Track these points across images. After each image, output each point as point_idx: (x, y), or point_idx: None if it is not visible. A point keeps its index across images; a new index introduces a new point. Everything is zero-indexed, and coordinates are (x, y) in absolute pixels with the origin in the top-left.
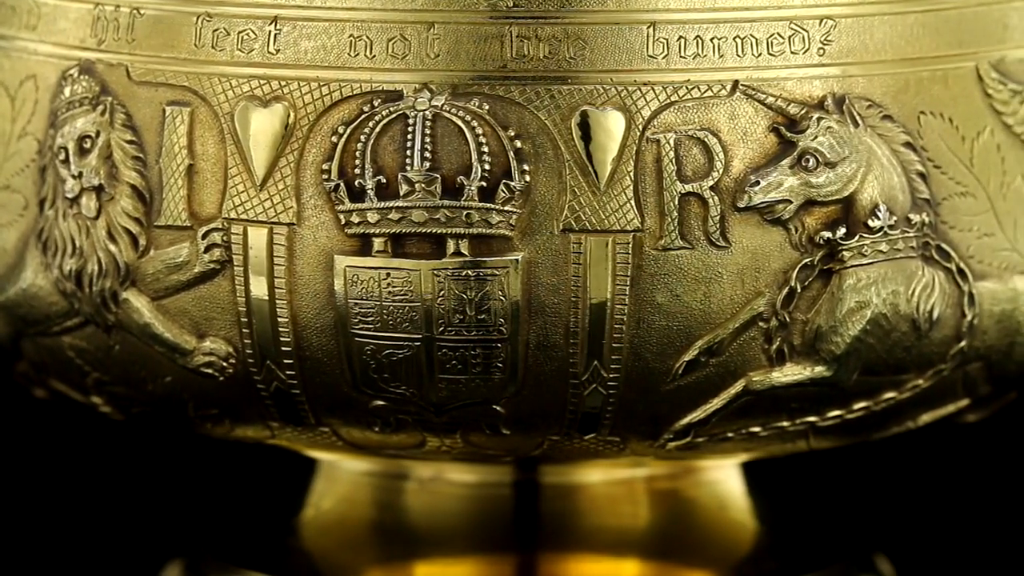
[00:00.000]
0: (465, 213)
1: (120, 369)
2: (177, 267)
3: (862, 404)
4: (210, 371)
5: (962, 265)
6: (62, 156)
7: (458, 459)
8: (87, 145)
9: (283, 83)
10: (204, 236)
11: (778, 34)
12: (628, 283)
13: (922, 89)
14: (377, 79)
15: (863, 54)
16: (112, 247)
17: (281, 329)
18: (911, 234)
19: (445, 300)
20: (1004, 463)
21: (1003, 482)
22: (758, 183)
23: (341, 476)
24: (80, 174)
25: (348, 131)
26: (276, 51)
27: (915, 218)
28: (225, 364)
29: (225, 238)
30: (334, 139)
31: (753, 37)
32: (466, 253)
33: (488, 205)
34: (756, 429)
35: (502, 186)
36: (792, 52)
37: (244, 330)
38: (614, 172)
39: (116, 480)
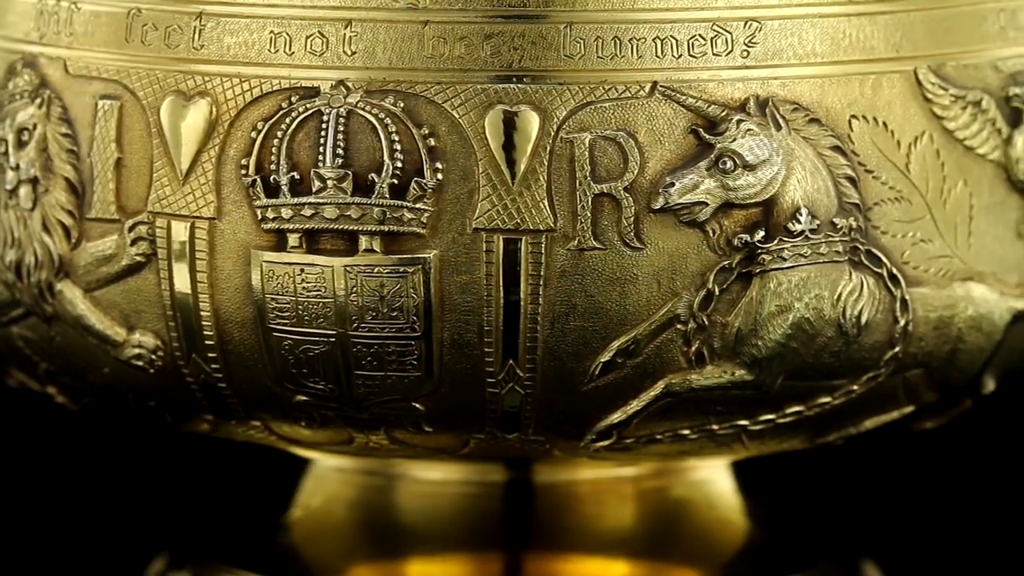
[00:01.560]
0: (376, 210)
1: (63, 360)
2: (106, 259)
3: (795, 408)
4: (140, 363)
5: (894, 270)
6: (3, 148)
7: (392, 456)
8: (25, 138)
9: (206, 78)
10: (131, 229)
11: (700, 35)
12: (541, 283)
13: (854, 93)
14: (295, 76)
15: (791, 56)
16: (47, 239)
17: (204, 323)
18: (836, 238)
19: (358, 297)
20: (993, 466)
21: (992, 485)
22: (673, 184)
23: (330, 475)
24: (18, 166)
25: (266, 127)
26: (200, 46)
27: (841, 222)
28: (154, 357)
29: (150, 231)
30: (253, 135)
31: (673, 38)
32: (378, 250)
33: (399, 203)
34: (685, 431)
35: (414, 184)
36: (714, 54)
37: (170, 323)
38: (527, 171)
39: (105, 478)
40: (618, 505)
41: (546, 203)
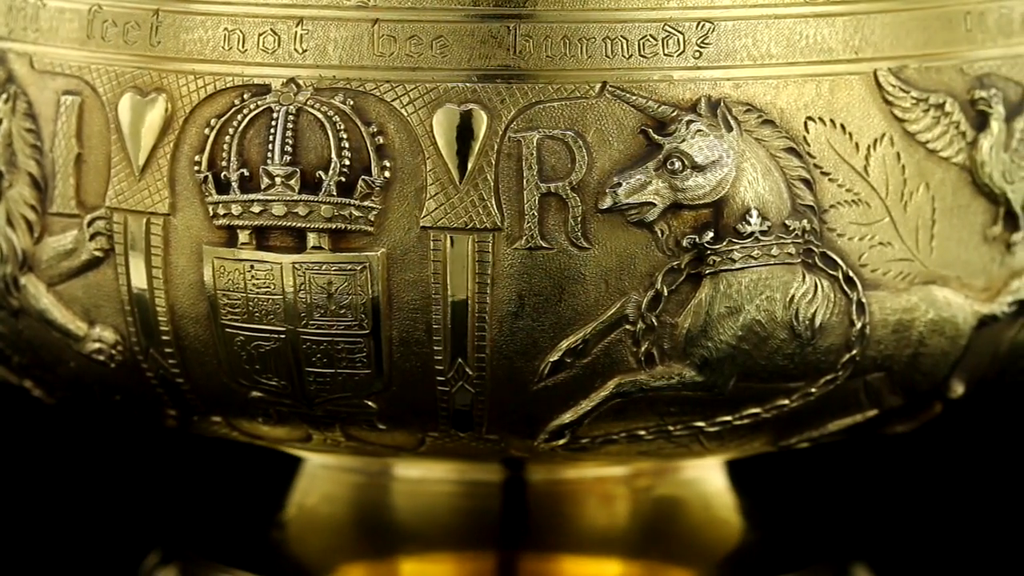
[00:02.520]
0: (323, 208)
1: (32, 353)
2: (67, 254)
3: (751, 410)
4: (101, 358)
5: (851, 273)
6: None
7: (352, 453)
8: None
9: (163, 75)
10: (89, 224)
11: (651, 36)
12: (488, 282)
13: (810, 94)
14: (248, 73)
15: (745, 58)
16: (11, 233)
17: (160, 318)
18: (788, 240)
19: (306, 294)
20: (986, 468)
21: (985, 486)
22: (620, 185)
23: (323, 473)
24: None
25: (219, 124)
26: (157, 43)
27: (793, 224)
28: (114, 352)
29: (108, 227)
30: (207, 131)
31: (624, 38)
32: (325, 247)
33: (346, 200)
34: (640, 432)
35: (361, 181)
36: (665, 54)
37: (128, 318)
38: (475, 170)
39: (99, 476)
40: (612, 504)
41: (493, 202)
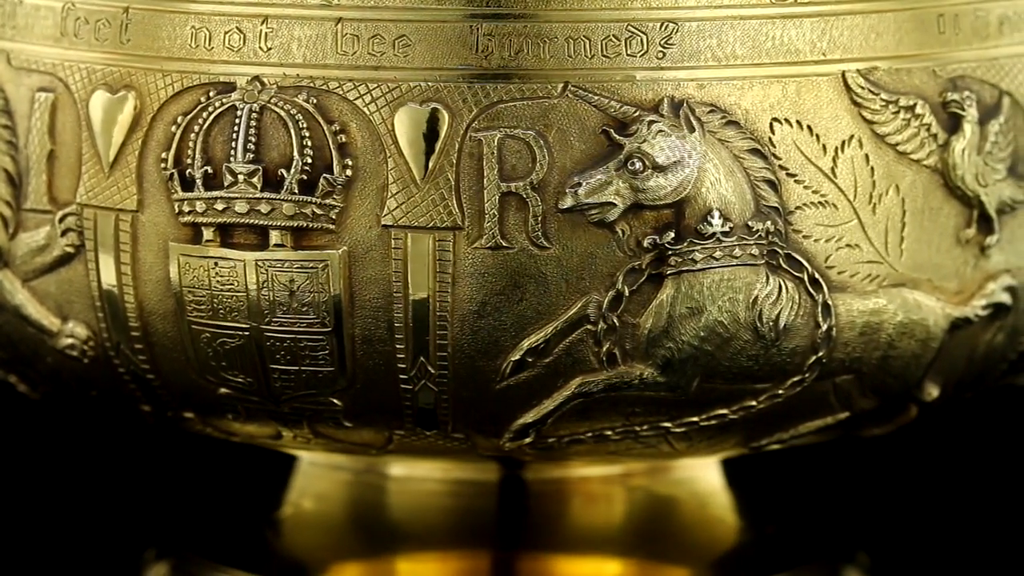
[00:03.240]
0: (285, 205)
1: (11, 348)
2: (40, 250)
3: (718, 411)
4: (75, 353)
5: (816, 275)
6: None
7: (325, 450)
8: None
9: (132, 72)
10: (61, 220)
11: (614, 36)
12: (449, 281)
13: (776, 95)
14: (214, 71)
15: (709, 58)
16: None
17: (130, 315)
18: (751, 241)
19: (269, 291)
20: (984, 465)
21: (983, 484)
22: (580, 184)
23: (320, 473)
24: None
25: (186, 121)
26: (127, 40)
27: (757, 226)
28: (86, 347)
29: (79, 223)
30: (173, 129)
31: (586, 38)
32: (287, 245)
33: (308, 198)
34: (607, 432)
35: (323, 179)
36: (628, 55)
37: (99, 314)
38: (436, 169)
39: (97, 477)
40: (608, 503)
41: (454, 201)
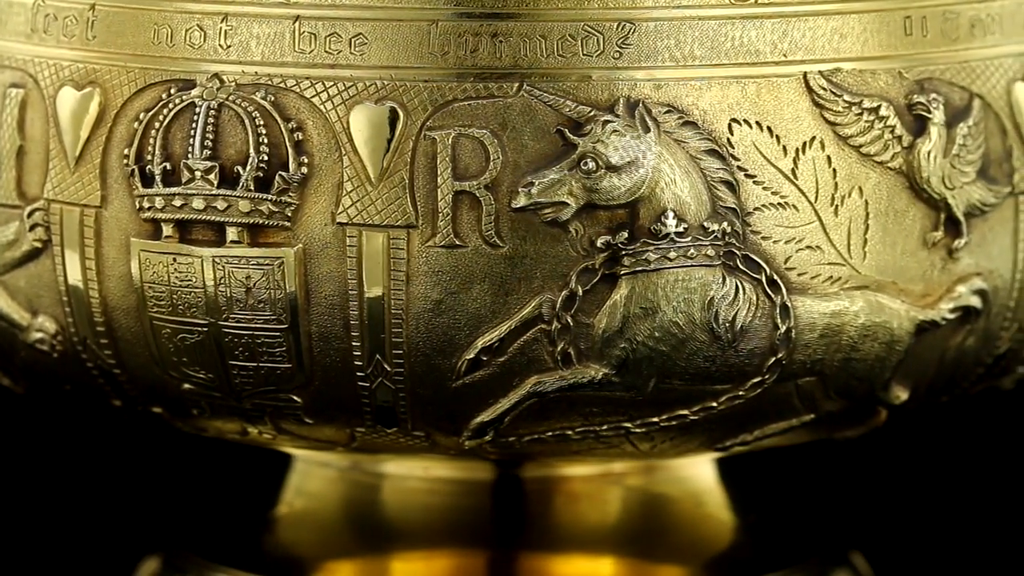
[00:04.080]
0: (241, 202)
1: None
2: (10, 245)
3: (678, 412)
4: (44, 347)
5: (775, 276)
6: None
7: (292, 447)
8: None
9: (97, 68)
10: (29, 215)
11: (570, 36)
12: (404, 279)
13: (735, 96)
14: (175, 68)
15: (667, 59)
16: None
17: (95, 309)
18: (706, 242)
19: (226, 288)
20: (981, 463)
21: (979, 481)
22: (533, 184)
23: (315, 472)
24: None
25: (147, 118)
26: (93, 37)
27: (713, 227)
28: (55, 342)
29: (45, 218)
30: (135, 125)
31: (542, 37)
32: (244, 242)
33: (263, 195)
34: (568, 432)
35: (278, 177)
36: (584, 54)
37: (66, 309)
38: (390, 167)
39: (92, 476)
40: (604, 502)
41: (408, 200)
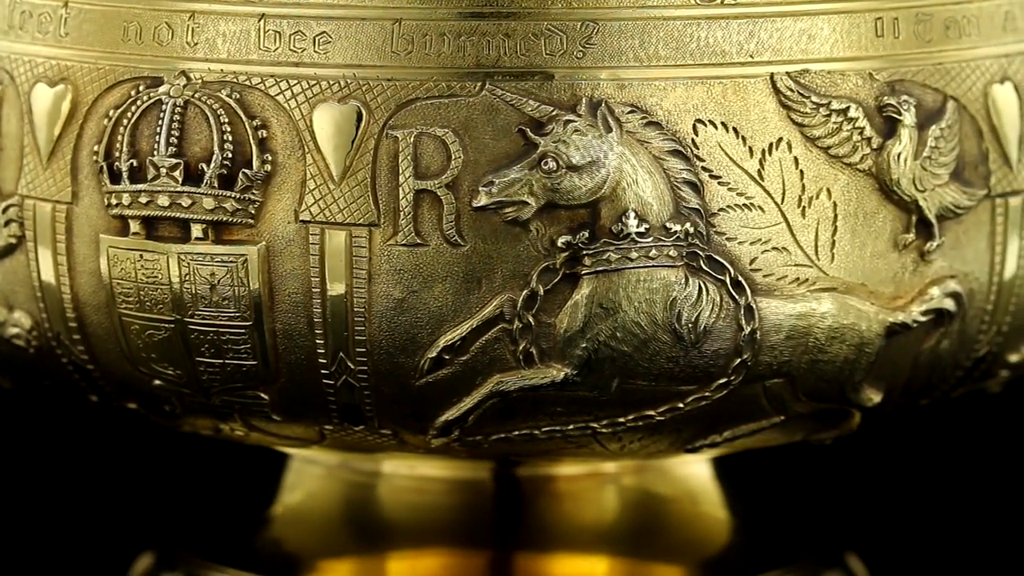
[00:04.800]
0: (205, 199)
1: None
2: None
3: (644, 412)
4: (20, 343)
5: (739, 278)
6: None
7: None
8: None
9: (69, 65)
10: (4, 211)
11: (532, 34)
12: (366, 277)
13: (700, 97)
14: (143, 65)
15: (631, 59)
16: None
17: (67, 305)
18: (668, 243)
19: (191, 284)
20: (974, 465)
21: (972, 483)
22: (493, 183)
23: (312, 470)
24: None
25: (116, 115)
26: (66, 34)
27: (675, 227)
28: (30, 337)
29: (19, 214)
30: (105, 122)
31: (505, 36)
32: (208, 239)
33: (227, 192)
34: (534, 431)
35: (242, 174)
36: (548, 53)
37: (40, 304)
38: (352, 166)
39: (88, 475)
40: (601, 501)
41: (370, 198)
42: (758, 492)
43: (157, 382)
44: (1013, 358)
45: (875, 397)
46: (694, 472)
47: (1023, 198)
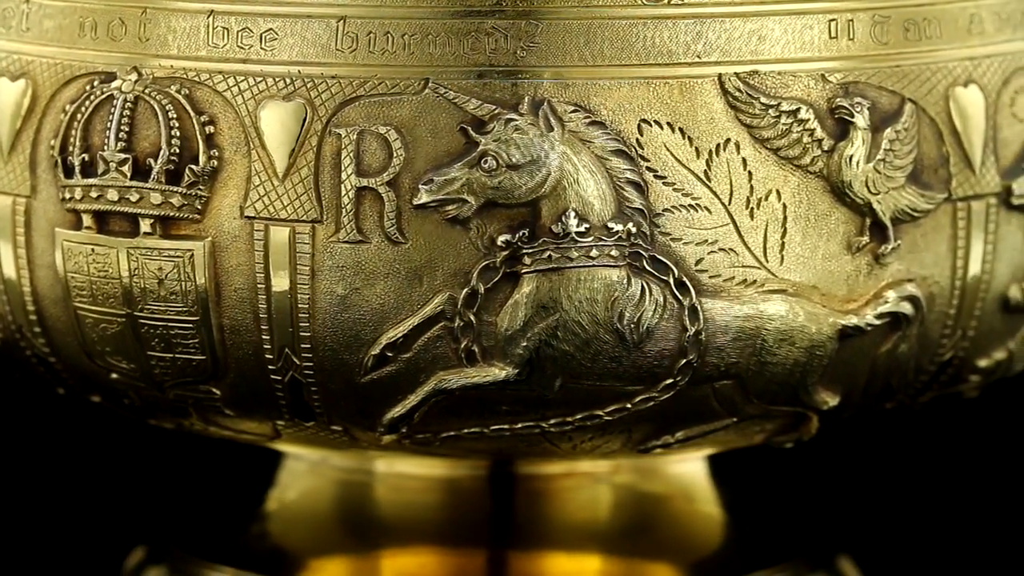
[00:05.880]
0: (152, 194)
1: None
2: None
3: (592, 412)
4: None
5: (684, 279)
6: None
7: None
8: None
9: (30, 60)
10: None
11: (475, 33)
12: (309, 274)
13: (646, 97)
14: (98, 60)
15: (576, 58)
16: None
17: (27, 299)
18: (609, 242)
19: (140, 279)
20: (971, 462)
21: (969, 480)
22: (433, 181)
23: (306, 469)
24: None
25: (72, 109)
26: (27, 29)
27: (617, 227)
28: None
29: None
30: (62, 116)
31: (447, 35)
32: (156, 234)
33: (173, 188)
34: (483, 430)
35: (188, 170)
36: (490, 52)
37: (3, 297)
38: (294, 163)
39: (82, 472)
40: (595, 499)
41: (313, 195)
42: (752, 491)
43: (114, 376)
44: (983, 363)
45: (831, 400)
46: (688, 471)
47: (987, 202)
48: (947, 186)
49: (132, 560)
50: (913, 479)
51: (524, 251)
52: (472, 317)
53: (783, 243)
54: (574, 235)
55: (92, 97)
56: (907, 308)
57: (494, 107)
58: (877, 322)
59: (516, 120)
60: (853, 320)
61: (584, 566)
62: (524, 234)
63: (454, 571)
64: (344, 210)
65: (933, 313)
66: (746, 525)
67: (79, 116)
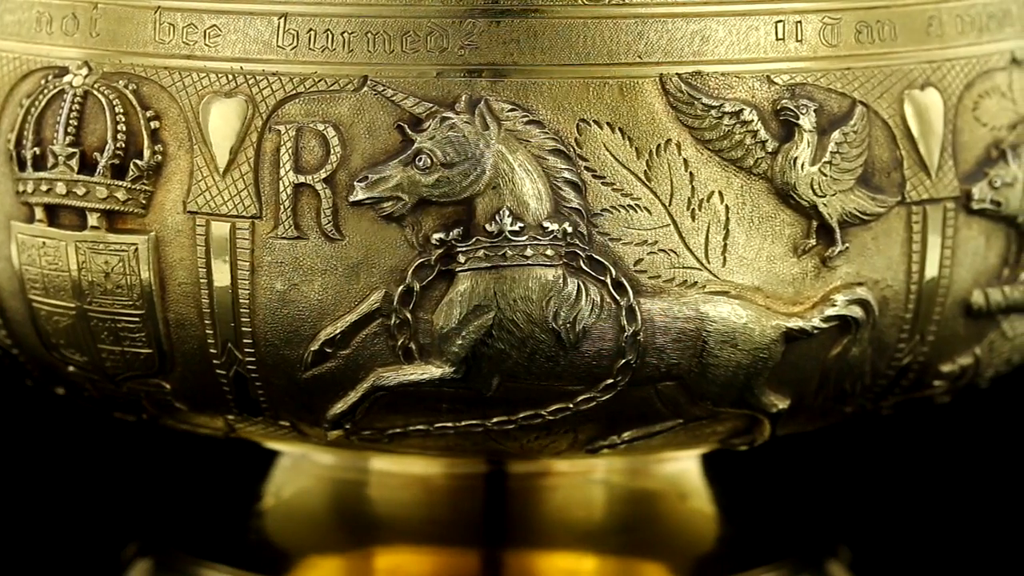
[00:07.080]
0: (98, 188)
1: None
2: None
3: (533, 411)
4: None
5: (622, 279)
6: None
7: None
8: None
9: None
10: None
11: (414, 32)
12: (249, 269)
13: (587, 96)
14: (53, 55)
15: (517, 56)
16: None
17: None
18: (545, 242)
19: (88, 272)
20: (967, 460)
21: (965, 481)
22: (368, 178)
23: (301, 466)
24: None
25: (28, 103)
26: None
27: (552, 227)
28: None
29: None
30: (19, 110)
31: (387, 33)
32: (102, 228)
33: (118, 182)
34: (428, 428)
35: (132, 164)
36: (427, 50)
37: None
38: (234, 159)
39: (77, 471)
40: (590, 498)
41: (252, 191)
42: (746, 489)
43: (71, 368)
44: (947, 368)
45: (779, 403)
46: (683, 469)
47: (944, 206)
48: (900, 189)
49: (126, 557)
50: (908, 478)
51: (458, 249)
52: (408, 314)
53: (725, 244)
54: (508, 234)
55: (45, 91)
56: (857, 311)
57: (431, 105)
58: (824, 325)
59: (452, 118)
60: (799, 323)
61: (578, 564)
62: (458, 232)
63: (448, 570)
64: (282, 206)
65: (887, 317)
66: (740, 523)
67: (33, 110)
